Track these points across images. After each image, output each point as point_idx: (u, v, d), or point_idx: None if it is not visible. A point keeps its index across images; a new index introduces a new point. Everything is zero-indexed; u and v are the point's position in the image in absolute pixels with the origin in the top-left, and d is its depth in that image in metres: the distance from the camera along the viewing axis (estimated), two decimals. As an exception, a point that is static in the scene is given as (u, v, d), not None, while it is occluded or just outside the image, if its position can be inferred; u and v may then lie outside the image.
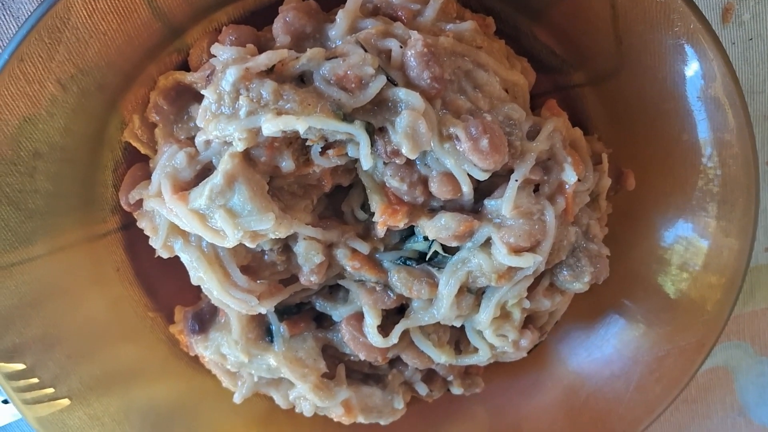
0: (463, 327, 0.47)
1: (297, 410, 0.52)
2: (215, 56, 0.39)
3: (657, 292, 0.52)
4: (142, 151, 0.45)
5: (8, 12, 0.47)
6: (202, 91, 0.38)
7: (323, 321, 0.49)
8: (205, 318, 0.48)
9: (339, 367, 0.48)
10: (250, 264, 0.44)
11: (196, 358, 0.52)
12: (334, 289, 0.48)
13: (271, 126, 0.36)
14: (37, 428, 0.48)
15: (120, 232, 0.49)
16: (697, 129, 0.46)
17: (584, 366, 0.54)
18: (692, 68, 0.44)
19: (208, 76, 0.40)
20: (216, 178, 0.38)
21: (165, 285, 0.51)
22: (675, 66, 0.44)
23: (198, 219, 0.39)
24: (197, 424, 0.55)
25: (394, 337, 0.45)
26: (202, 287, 0.45)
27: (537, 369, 0.55)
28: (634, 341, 0.53)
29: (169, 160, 0.40)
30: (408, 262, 0.45)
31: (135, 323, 0.52)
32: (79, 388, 0.50)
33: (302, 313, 0.48)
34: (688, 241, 0.51)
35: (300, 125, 0.36)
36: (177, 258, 0.45)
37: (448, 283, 0.43)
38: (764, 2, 0.48)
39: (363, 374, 0.51)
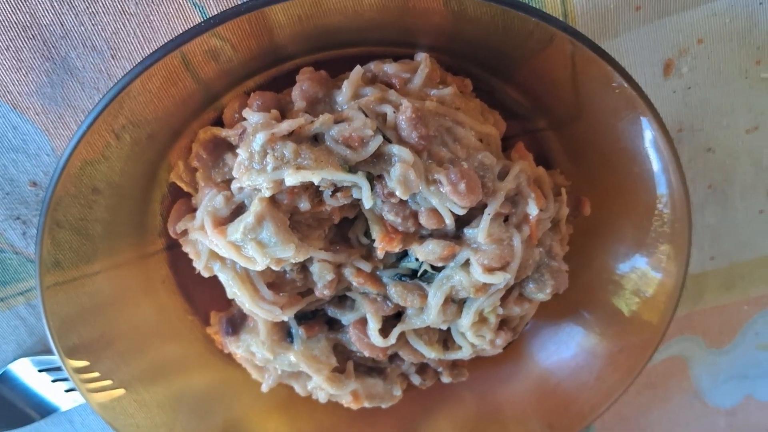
0: (449, 329, 0.57)
1: (313, 398, 0.62)
2: (246, 119, 0.49)
3: (611, 309, 0.61)
4: (185, 189, 0.55)
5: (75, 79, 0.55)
6: (237, 150, 0.47)
7: (334, 325, 0.58)
8: (237, 322, 0.58)
9: (348, 363, 0.58)
10: (275, 281, 0.53)
11: (228, 355, 0.62)
12: (342, 299, 0.57)
13: (292, 179, 0.46)
14: (99, 413, 0.57)
15: (165, 252, 0.59)
16: (645, 165, 0.54)
17: (552, 359, 0.64)
18: (634, 119, 0.52)
19: (240, 135, 0.49)
20: (249, 218, 0.48)
21: (202, 294, 0.61)
22: (623, 114, 0.52)
23: (234, 249, 0.49)
24: (229, 409, 0.65)
25: (393, 338, 0.55)
26: (235, 299, 0.55)
27: (513, 361, 0.65)
28: (593, 340, 0.62)
29: (210, 201, 0.50)
30: (403, 278, 0.54)
31: (177, 325, 0.61)
32: (131, 379, 0.59)
33: (317, 318, 0.57)
34: (642, 272, 0.59)
35: (315, 178, 0.46)
36: (216, 279, 0.55)
37: (435, 295, 0.53)
38: (699, 58, 0.57)
39: (367, 367, 0.61)
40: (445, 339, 0.58)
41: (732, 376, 0.74)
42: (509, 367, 0.65)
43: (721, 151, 0.61)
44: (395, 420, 0.68)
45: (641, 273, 0.59)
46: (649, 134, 0.52)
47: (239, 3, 0.47)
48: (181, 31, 0.47)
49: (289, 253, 0.48)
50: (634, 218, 0.58)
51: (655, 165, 0.54)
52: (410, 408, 0.68)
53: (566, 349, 0.63)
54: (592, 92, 0.53)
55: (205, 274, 0.53)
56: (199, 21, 0.46)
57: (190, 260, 0.55)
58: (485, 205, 0.51)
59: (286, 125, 0.46)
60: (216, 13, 0.48)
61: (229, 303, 0.60)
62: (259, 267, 0.49)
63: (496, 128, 0.53)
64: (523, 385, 0.66)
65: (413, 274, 0.55)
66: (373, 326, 0.54)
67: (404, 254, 0.54)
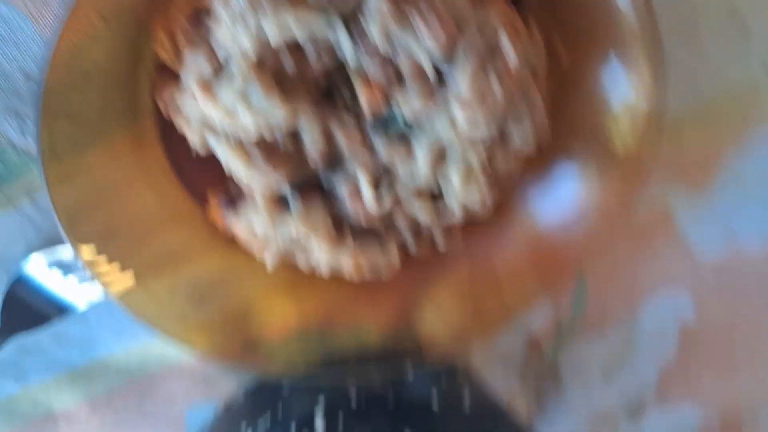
0: (440, 195, 0.59)
1: (316, 273, 0.65)
2: (224, -15, 0.50)
3: (598, 145, 0.62)
4: (169, 62, 0.55)
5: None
6: (218, 9, 0.48)
7: (328, 193, 0.60)
8: (234, 197, 0.60)
9: (344, 223, 0.60)
10: (268, 151, 0.55)
11: (232, 240, 0.64)
12: (335, 165, 0.58)
13: (275, 36, 0.47)
14: (117, 302, 0.61)
15: (159, 135, 0.60)
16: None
17: (542, 215, 0.65)
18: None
19: (221, -1, 0.50)
20: (236, 79, 0.49)
21: (201, 181, 0.62)
22: None
23: (225, 113, 0.50)
24: (235, 293, 0.67)
25: (386, 199, 0.57)
26: (232, 175, 0.57)
27: (504, 222, 0.66)
28: (582, 189, 0.63)
29: (195, 66, 0.51)
30: (390, 137, 0.56)
31: (179, 212, 0.63)
32: (139, 270, 0.62)
33: (311, 187, 0.59)
34: (631, 106, 0.60)
35: (297, 32, 0.47)
36: (210, 160, 0.56)
37: (422, 151, 0.55)
38: None
39: (363, 231, 0.63)
40: (436, 203, 0.61)
41: (716, 220, 0.75)
42: (501, 229, 0.67)
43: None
44: (396, 293, 0.71)
45: (622, 104, 0.60)
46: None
47: None
48: None
49: (279, 111, 0.50)
50: (611, 53, 0.58)
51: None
52: (410, 280, 0.70)
53: (555, 203, 0.65)
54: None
55: (201, 150, 0.55)
56: None
57: (184, 142, 0.57)
58: (462, 49, 0.51)
59: (264, -20, 0.47)
60: None
61: (229, 186, 0.62)
62: (251, 130, 0.51)
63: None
64: (516, 245, 0.68)
65: (401, 136, 0.56)
66: (366, 188, 0.56)
67: (391, 118, 0.55)
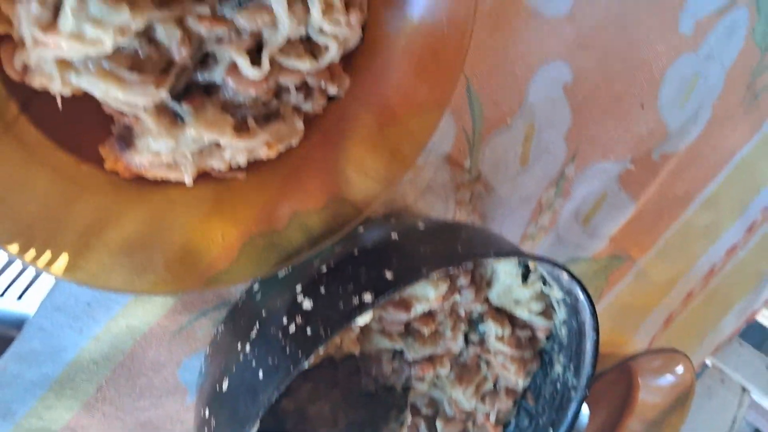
0: (310, 40, 0.61)
1: (238, 181, 0.65)
2: None
3: None
4: (1, 32, 0.53)
5: None
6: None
7: (211, 90, 0.60)
8: (125, 134, 0.59)
9: (248, 119, 0.61)
10: (132, 65, 0.54)
11: (142, 181, 0.63)
12: (205, 61, 0.58)
13: (85, -65, 0.46)
14: (69, 280, 0.60)
15: (23, 114, 0.57)
16: None
17: (408, 29, 0.68)
18: None
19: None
20: (69, 2, 0.48)
21: (84, 140, 0.61)
22: None
23: (75, 39, 0.49)
24: (171, 233, 0.67)
25: (265, 65, 0.57)
26: (110, 106, 0.55)
27: (379, 50, 0.68)
28: None
29: (27, 15, 0.49)
30: (242, 4, 0.56)
31: (77, 180, 0.61)
32: (66, 255, 0.61)
33: (193, 91, 0.59)
34: None
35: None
36: (83, 114, 0.55)
37: (278, 2, 0.56)
38: None
39: (263, 117, 0.64)
40: (312, 51, 0.62)
41: None
42: (378, 60, 0.70)
43: None
44: (318, 170, 0.73)
45: None
46: None
47: None
48: None
49: (125, 16, 0.49)
50: None
51: None
52: (326, 155, 0.72)
53: (414, 14, 0.68)
54: None
55: (67, 93, 0.53)
56: None
57: (54, 109, 0.55)
58: None
59: None
60: None
61: (111, 132, 0.61)
62: (108, 44, 0.50)
63: None
64: (398, 68, 0.70)
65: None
66: (243, 62, 0.57)
67: None
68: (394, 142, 0.74)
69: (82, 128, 0.60)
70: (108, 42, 0.49)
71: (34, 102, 0.56)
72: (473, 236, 0.71)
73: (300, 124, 0.65)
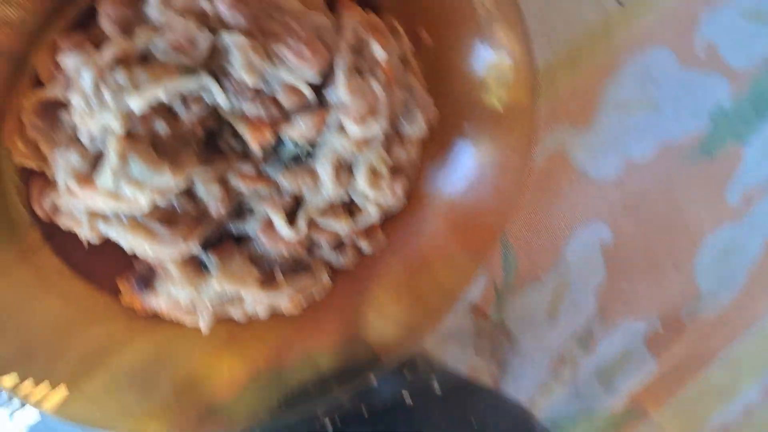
0: (351, 201, 0.58)
1: (253, 317, 0.62)
2: (64, 66, 0.46)
3: (481, 111, 0.63)
4: (35, 167, 0.51)
5: None
6: (70, 98, 0.45)
7: (243, 240, 0.58)
8: (147, 277, 0.56)
9: (275, 270, 0.58)
10: (167, 219, 0.52)
11: (156, 317, 0.61)
12: (240, 212, 0.56)
13: (138, 103, 0.44)
14: (57, 417, 0.56)
15: (46, 242, 0.55)
16: None
17: (452, 189, 0.65)
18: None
19: (66, 84, 0.47)
20: (111, 160, 0.46)
21: (102, 269, 0.58)
22: None
23: (111, 197, 0.47)
24: (175, 367, 0.63)
25: (302, 226, 0.55)
26: (136, 254, 0.53)
27: (419, 209, 0.66)
28: (480, 154, 0.64)
29: (65, 161, 0.47)
30: (288, 165, 0.54)
31: (90, 308, 0.58)
32: (68, 378, 0.57)
33: (223, 240, 0.57)
34: (497, 64, 0.61)
35: (160, 92, 0.44)
36: (106, 246, 0.53)
37: (324, 168, 0.53)
38: None
39: (291, 269, 0.61)
40: (350, 209, 0.60)
41: (607, 147, 0.78)
42: (417, 215, 0.67)
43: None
44: (336, 310, 0.69)
45: (491, 65, 0.61)
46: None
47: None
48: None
49: (167, 178, 0.47)
50: (468, 23, 0.60)
51: None
52: (347, 293, 0.69)
53: (460, 172, 0.65)
54: None
55: (93, 239, 0.51)
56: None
57: (75, 240, 0.53)
58: (334, 63, 0.51)
59: (108, 52, 0.44)
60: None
61: (134, 266, 0.58)
62: (144, 205, 0.48)
63: (313, -12, 0.52)
64: (435, 226, 0.68)
65: (297, 159, 0.55)
66: (279, 221, 0.55)
67: (281, 144, 0.54)
68: (422, 290, 0.71)
69: (102, 258, 0.57)
70: (145, 202, 0.47)
71: (58, 232, 0.54)
72: (488, 412, 0.67)
73: (327, 279, 0.62)
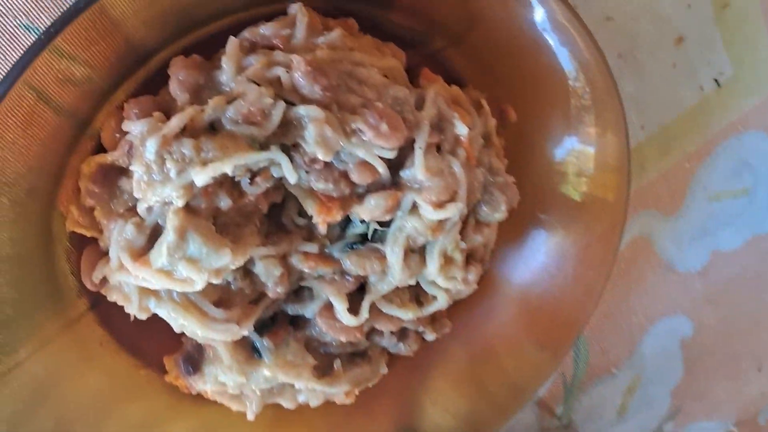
0: (418, 284, 0.54)
1: (303, 404, 0.58)
2: (129, 132, 0.43)
3: (564, 199, 0.59)
4: (88, 234, 0.48)
5: None
6: (131, 167, 0.42)
7: (298, 322, 0.53)
8: (195, 357, 0.52)
9: (335, 360, 0.54)
10: (221, 297, 0.48)
11: (199, 395, 0.56)
12: (299, 292, 0.52)
13: (202, 177, 0.40)
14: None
15: (91, 311, 0.52)
16: (555, 54, 0.52)
17: (526, 277, 0.61)
18: (532, 8, 0.50)
19: (128, 152, 0.44)
20: (169, 236, 0.42)
21: (148, 344, 0.54)
22: (520, 11, 0.50)
23: (165, 276, 0.43)
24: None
25: (364, 312, 0.51)
26: (185, 332, 0.49)
27: (489, 294, 0.62)
28: (559, 243, 0.60)
29: (120, 235, 0.44)
30: (354, 246, 0.50)
31: (132, 384, 0.55)
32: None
33: (278, 322, 0.53)
34: (578, 152, 0.57)
35: (227, 167, 0.41)
36: (154, 319, 0.49)
37: (393, 252, 0.49)
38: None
39: (348, 356, 0.56)
40: (417, 295, 0.55)
41: (694, 236, 0.73)
42: (487, 302, 0.62)
43: (620, 16, 0.59)
44: (392, 400, 0.64)
45: (577, 153, 0.57)
46: (541, 12, 0.50)
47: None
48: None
49: (226, 259, 0.43)
50: (556, 106, 0.56)
51: (558, 41, 0.52)
52: (403, 381, 0.64)
53: (535, 261, 0.61)
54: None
55: (142, 316, 0.48)
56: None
57: (122, 311, 0.50)
58: (413, 140, 0.47)
59: (176, 121, 0.41)
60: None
61: (180, 341, 0.54)
62: (199, 286, 0.44)
63: (396, 59, 0.49)
64: (506, 315, 0.63)
65: (363, 238, 0.51)
66: (340, 307, 0.50)
67: (348, 222, 0.50)
68: (487, 383, 0.65)
69: (149, 332, 0.54)
70: (200, 283, 0.43)
71: (104, 301, 0.50)
72: None
73: (384, 368, 0.57)
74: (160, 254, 0.42)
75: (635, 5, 0.60)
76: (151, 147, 0.40)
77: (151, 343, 0.55)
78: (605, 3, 0.59)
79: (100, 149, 0.47)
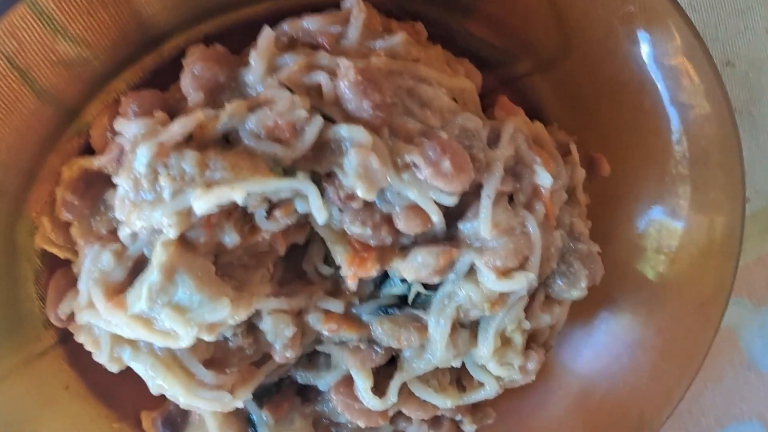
0: (463, 363, 0.43)
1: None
2: (121, 133, 0.34)
3: (641, 278, 0.49)
4: (61, 256, 0.40)
5: None
6: (116, 179, 0.32)
7: (308, 392, 0.43)
8: (177, 421, 0.43)
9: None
10: (215, 356, 0.38)
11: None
12: (312, 356, 0.43)
13: (203, 204, 0.31)
14: None
15: (59, 346, 0.43)
16: (660, 96, 0.43)
17: (592, 366, 0.51)
18: (645, 32, 0.40)
19: (117, 158, 0.34)
20: (152, 275, 0.32)
21: (123, 391, 0.45)
22: (626, 35, 0.41)
23: (142, 325, 0.33)
24: None
25: (393, 395, 0.41)
26: (166, 395, 0.39)
27: (544, 382, 0.51)
28: (636, 328, 0.50)
29: (95, 264, 0.35)
30: (389, 310, 0.40)
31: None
32: None
33: (283, 390, 0.43)
34: (661, 224, 0.48)
35: (237, 194, 0.31)
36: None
37: (438, 324, 0.39)
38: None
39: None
40: (459, 377, 0.44)
41: None
42: (540, 390, 0.52)
43: (741, 63, 0.49)
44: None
45: (658, 225, 0.49)
46: (652, 43, 0.41)
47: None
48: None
49: (224, 313, 0.33)
50: (655, 165, 0.46)
51: (668, 89, 0.43)
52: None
53: (606, 350, 0.51)
54: (579, 12, 0.41)
55: (114, 369, 0.38)
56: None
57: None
58: (480, 186, 0.37)
59: (179, 126, 0.32)
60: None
61: (164, 396, 0.44)
62: (185, 342, 0.34)
63: (470, 80, 0.39)
64: (560, 409, 0.52)
65: (402, 301, 0.41)
66: (363, 385, 0.40)
67: (384, 278, 0.41)
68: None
69: (127, 379, 0.43)
70: (186, 339, 0.33)
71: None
72: None
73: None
74: (140, 296, 0.33)
75: (760, 49, 0.50)
76: (142, 156, 0.31)
77: (128, 392, 0.46)
78: (727, 43, 0.48)
79: (88, 151, 0.38)
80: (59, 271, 0.39)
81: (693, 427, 0.67)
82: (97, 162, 0.36)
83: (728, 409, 0.67)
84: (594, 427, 0.52)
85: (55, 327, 0.43)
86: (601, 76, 0.44)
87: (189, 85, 0.35)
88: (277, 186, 0.32)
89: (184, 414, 0.43)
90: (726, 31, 0.49)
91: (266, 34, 0.35)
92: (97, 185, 0.37)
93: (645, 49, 0.42)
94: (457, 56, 0.42)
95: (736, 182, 0.44)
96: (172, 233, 0.32)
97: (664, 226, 0.48)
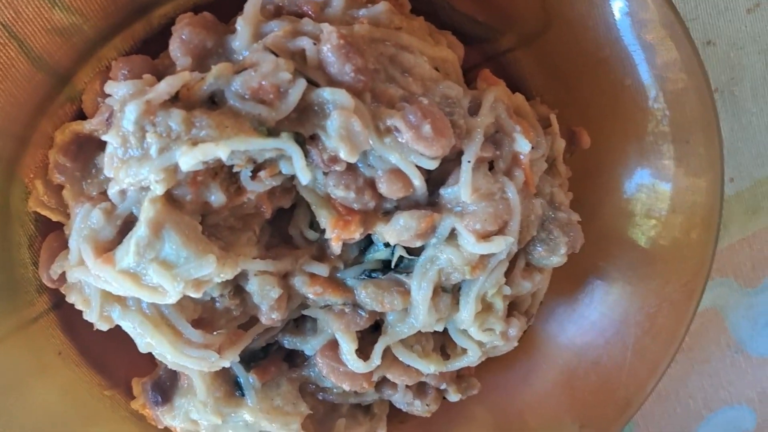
0: (446, 329, 0.44)
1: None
2: (111, 96, 0.35)
3: (631, 246, 0.50)
4: (54, 218, 0.40)
5: None
6: (105, 137, 0.33)
7: (295, 358, 0.44)
8: (166, 386, 0.43)
9: (338, 421, 0.45)
10: (202, 316, 0.39)
11: (167, 430, 0.47)
12: (299, 321, 0.43)
13: (189, 159, 0.32)
14: None
15: (52, 312, 0.44)
16: (638, 71, 0.44)
17: (576, 340, 0.52)
18: (623, 8, 0.41)
19: (107, 120, 0.35)
20: (140, 230, 0.33)
21: (115, 358, 0.46)
22: (605, 9, 0.42)
23: (130, 279, 0.34)
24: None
25: (376, 358, 0.41)
26: (153, 353, 0.40)
27: (529, 355, 0.52)
28: (622, 303, 0.50)
29: (84, 222, 0.36)
30: (373, 275, 0.41)
31: (93, 406, 0.47)
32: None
33: (270, 355, 0.43)
34: (649, 188, 0.48)
35: (221, 151, 0.32)
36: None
37: (420, 287, 0.40)
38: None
39: (349, 406, 0.47)
40: (443, 344, 0.45)
41: None
42: (525, 363, 0.53)
43: (722, 42, 0.50)
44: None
45: (647, 189, 0.49)
46: (630, 23, 0.42)
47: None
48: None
49: (210, 269, 0.34)
50: (635, 137, 0.47)
51: (643, 48, 0.43)
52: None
53: (590, 322, 0.51)
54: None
55: (103, 327, 0.39)
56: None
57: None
58: (460, 152, 0.38)
59: (165, 84, 0.33)
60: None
61: (154, 363, 0.45)
62: (172, 298, 0.35)
63: (452, 52, 0.40)
64: (545, 382, 0.53)
65: (385, 266, 0.42)
66: (348, 347, 0.41)
67: (368, 242, 0.42)
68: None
69: (120, 345, 0.44)
70: (173, 295, 0.34)
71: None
72: None
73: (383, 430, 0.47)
74: (128, 252, 0.34)
75: (744, 30, 0.51)
76: (130, 114, 0.32)
77: (121, 359, 0.47)
78: (708, 23, 0.49)
79: (79, 117, 0.39)
80: (51, 234, 0.40)
81: (681, 411, 0.68)
82: (88, 125, 0.37)
83: (716, 392, 0.67)
84: (577, 402, 0.52)
85: (48, 292, 0.44)
86: (581, 52, 0.44)
87: (177, 49, 0.36)
88: (261, 144, 0.33)
89: (174, 379, 0.43)
90: (706, 11, 0.49)
91: (252, 2, 0.36)
92: (89, 148, 0.38)
93: (625, 24, 0.43)
94: (440, 29, 0.42)
95: (716, 153, 0.45)
96: (159, 189, 0.33)
97: (653, 189, 0.48)
